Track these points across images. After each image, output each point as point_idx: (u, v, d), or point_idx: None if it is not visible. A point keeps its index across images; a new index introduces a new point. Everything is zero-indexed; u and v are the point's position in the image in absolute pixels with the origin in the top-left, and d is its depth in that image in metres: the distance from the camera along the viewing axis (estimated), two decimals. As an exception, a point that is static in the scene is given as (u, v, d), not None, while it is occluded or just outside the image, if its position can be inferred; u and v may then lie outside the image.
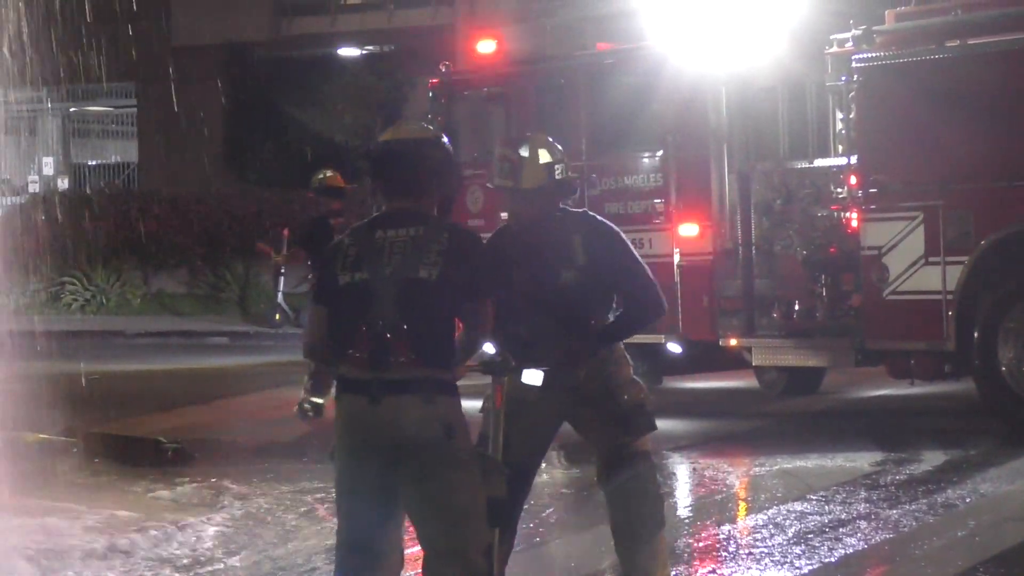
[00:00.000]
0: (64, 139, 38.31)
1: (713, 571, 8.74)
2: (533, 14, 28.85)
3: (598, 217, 7.50)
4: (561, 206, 7.43)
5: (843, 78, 14.01)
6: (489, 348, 6.73)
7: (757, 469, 12.21)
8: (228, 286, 30.68)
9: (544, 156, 7.31)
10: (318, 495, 10.99)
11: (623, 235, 7.44)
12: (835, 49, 14.25)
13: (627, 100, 15.35)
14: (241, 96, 34.27)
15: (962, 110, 13.25)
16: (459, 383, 6.06)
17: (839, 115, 14.34)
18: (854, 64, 13.87)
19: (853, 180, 13.93)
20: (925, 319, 13.40)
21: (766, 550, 9.19)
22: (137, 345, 26.38)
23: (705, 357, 15.50)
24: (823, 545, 9.25)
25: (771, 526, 9.86)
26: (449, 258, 6.00)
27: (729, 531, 10.02)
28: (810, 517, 10.09)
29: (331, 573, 6.29)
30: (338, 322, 6.07)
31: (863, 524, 9.89)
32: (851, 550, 9.20)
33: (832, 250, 14.37)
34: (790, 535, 9.53)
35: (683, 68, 14.93)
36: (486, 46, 16.98)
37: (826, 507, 10.44)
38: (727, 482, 11.88)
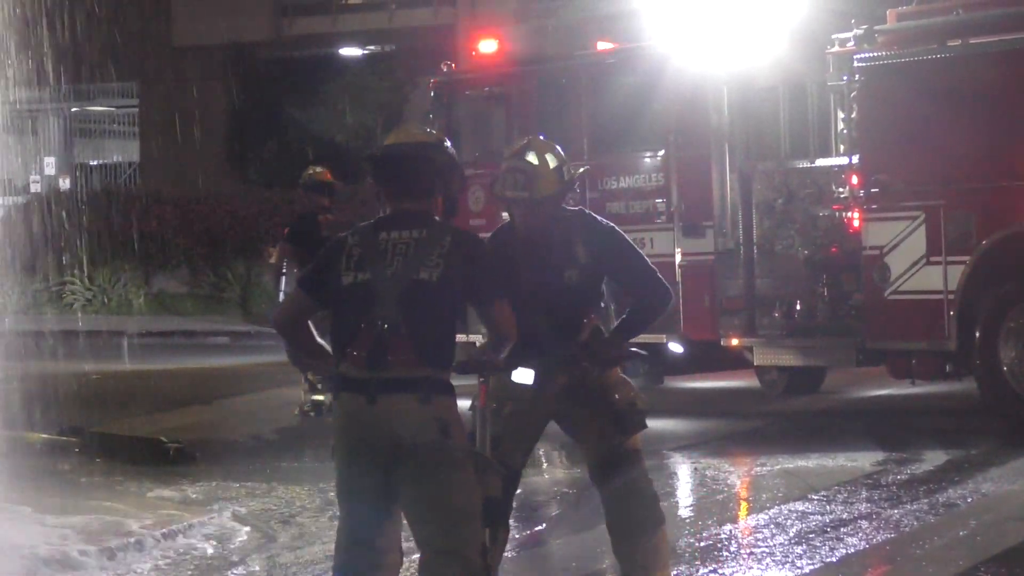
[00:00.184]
0: (66, 139, 38.26)
1: (714, 571, 8.73)
2: (534, 14, 28.85)
3: (595, 215, 7.50)
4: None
5: (844, 77, 14.01)
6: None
7: (758, 469, 12.21)
8: (229, 286, 30.65)
9: (552, 161, 7.29)
10: (319, 494, 10.99)
11: (620, 231, 7.44)
12: (836, 48, 14.25)
13: (628, 100, 15.35)
14: (242, 96, 34.24)
15: (963, 110, 13.25)
16: (454, 383, 6.07)
17: (840, 115, 14.34)
18: (855, 64, 13.87)
19: (854, 180, 13.93)
20: (926, 319, 13.40)
21: (767, 550, 9.19)
22: (138, 345, 26.34)
23: (706, 357, 15.50)
24: (824, 545, 9.24)
25: (772, 526, 9.86)
26: (451, 260, 6.03)
27: (730, 531, 10.02)
28: (811, 517, 10.08)
29: (332, 571, 6.29)
30: (340, 321, 6.10)
31: (864, 524, 9.89)
32: (852, 550, 9.21)
33: (833, 250, 14.37)
34: (791, 535, 9.53)
35: (684, 68, 14.93)
36: (487, 46, 16.98)
37: (827, 507, 10.44)
38: (728, 482, 11.87)
